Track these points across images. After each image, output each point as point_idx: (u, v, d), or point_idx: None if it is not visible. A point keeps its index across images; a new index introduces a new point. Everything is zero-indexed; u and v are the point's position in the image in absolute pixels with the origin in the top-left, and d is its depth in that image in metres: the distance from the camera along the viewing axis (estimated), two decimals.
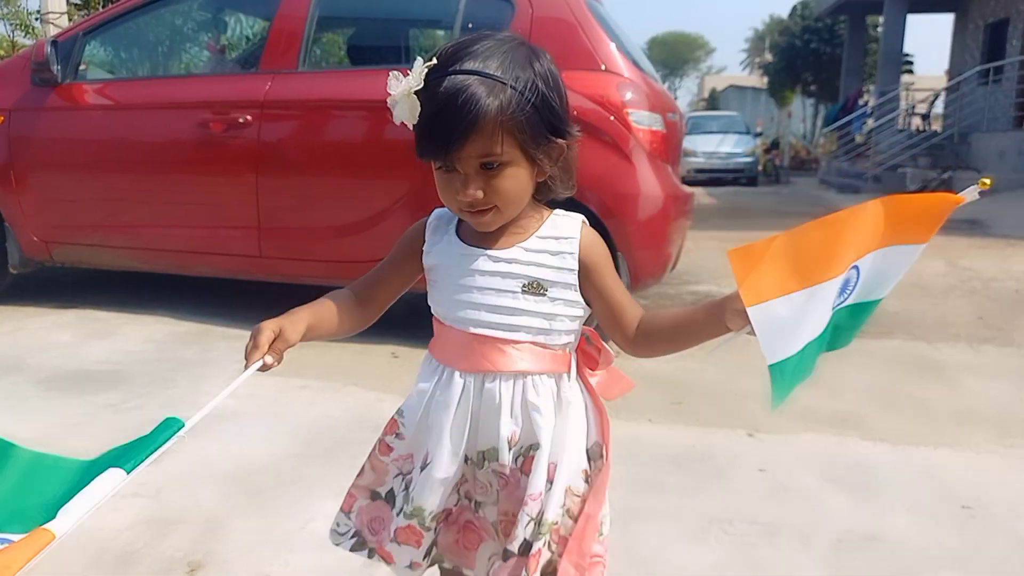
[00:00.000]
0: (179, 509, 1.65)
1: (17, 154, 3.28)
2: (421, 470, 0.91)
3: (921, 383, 2.74)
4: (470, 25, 3.26)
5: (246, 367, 0.85)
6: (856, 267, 0.84)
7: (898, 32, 14.06)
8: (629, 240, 2.89)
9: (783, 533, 1.60)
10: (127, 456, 0.73)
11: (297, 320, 0.90)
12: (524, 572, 0.86)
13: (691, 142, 14.68)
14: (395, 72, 0.84)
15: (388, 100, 0.84)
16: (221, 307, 3.38)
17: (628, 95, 2.89)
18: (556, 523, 0.88)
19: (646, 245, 2.98)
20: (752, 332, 0.81)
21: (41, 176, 3.30)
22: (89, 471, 0.72)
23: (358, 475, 0.99)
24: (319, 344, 2.97)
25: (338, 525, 1.00)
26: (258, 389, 2.45)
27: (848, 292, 0.86)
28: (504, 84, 0.81)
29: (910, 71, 19.59)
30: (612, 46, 2.95)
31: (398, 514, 0.93)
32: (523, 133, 0.83)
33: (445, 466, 0.89)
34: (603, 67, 2.89)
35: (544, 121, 0.85)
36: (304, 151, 3.10)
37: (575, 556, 0.88)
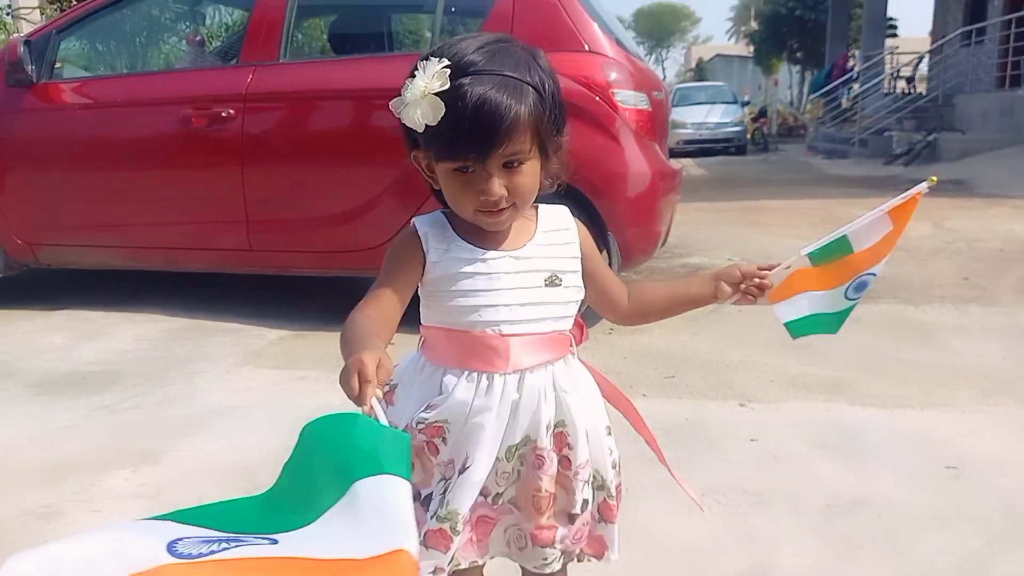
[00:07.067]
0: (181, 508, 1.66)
1: None
2: (459, 474, 0.91)
3: (908, 346, 2.78)
4: (453, 9, 3.23)
5: (361, 405, 0.71)
6: (874, 273, 1.03)
7: None
8: (619, 219, 2.90)
9: (773, 501, 1.64)
10: (381, 460, 0.61)
11: (380, 347, 0.81)
12: (607, 520, 0.99)
13: (679, 113, 14.65)
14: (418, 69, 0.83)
15: (393, 102, 0.84)
16: (212, 302, 3.39)
17: (613, 75, 2.88)
18: (617, 482, 1.00)
19: (635, 223, 2.99)
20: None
21: (22, 178, 3.28)
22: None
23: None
24: (315, 335, 3.01)
25: None
26: (256, 382, 2.47)
27: (866, 289, 1.05)
28: (528, 85, 0.84)
29: (894, 35, 19.52)
30: (595, 26, 2.94)
31: (431, 518, 0.92)
32: (543, 131, 0.87)
33: (484, 467, 0.91)
34: (587, 47, 2.88)
35: (553, 118, 0.88)
36: (289, 143, 3.09)
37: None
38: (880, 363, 2.60)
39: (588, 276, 0.98)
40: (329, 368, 2.59)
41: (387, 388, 0.98)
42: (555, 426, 0.94)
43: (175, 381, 2.49)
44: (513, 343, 0.90)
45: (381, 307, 0.91)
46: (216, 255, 3.23)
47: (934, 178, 1.00)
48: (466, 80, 0.82)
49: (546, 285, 0.93)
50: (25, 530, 1.59)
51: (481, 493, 0.95)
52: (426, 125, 0.82)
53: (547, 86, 0.87)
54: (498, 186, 0.85)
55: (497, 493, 0.95)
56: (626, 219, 2.92)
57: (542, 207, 0.97)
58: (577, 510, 0.96)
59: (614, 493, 0.99)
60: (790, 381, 2.42)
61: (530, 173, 0.88)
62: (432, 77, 0.81)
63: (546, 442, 0.93)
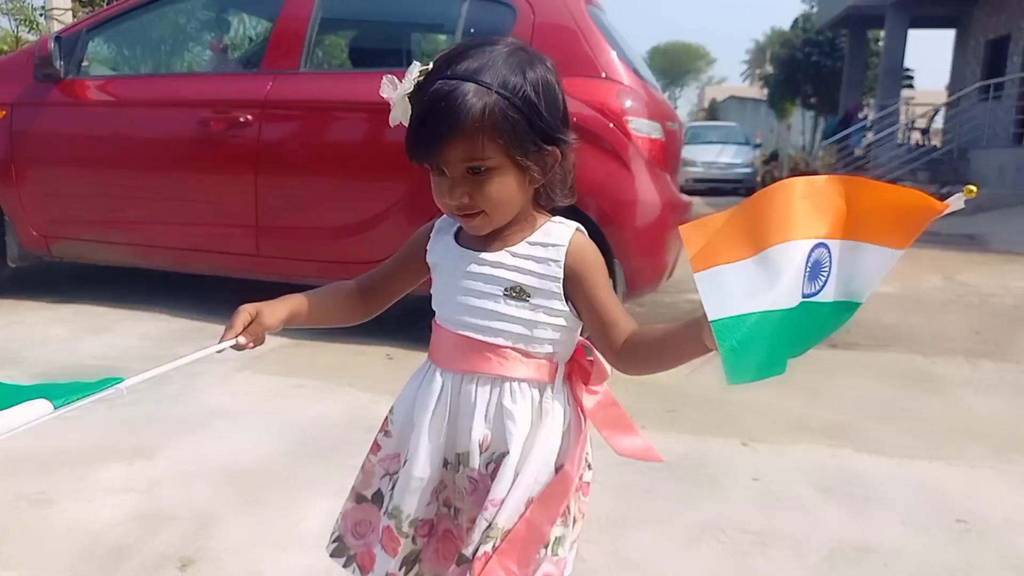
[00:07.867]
0: (172, 505, 1.64)
1: (18, 148, 3.28)
2: (402, 468, 0.92)
3: (917, 396, 2.73)
4: (472, 30, 3.27)
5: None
6: (826, 246, 0.74)
7: (899, 47, 14.15)
8: (626, 247, 2.89)
9: (775, 543, 1.59)
10: (59, 392, 0.73)
11: (278, 305, 0.92)
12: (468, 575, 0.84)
13: (690, 152, 14.73)
14: (389, 76, 0.85)
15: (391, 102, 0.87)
16: (217, 305, 3.36)
17: (628, 103, 2.89)
18: (508, 530, 0.85)
19: (643, 253, 2.98)
20: None
21: (42, 171, 3.30)
22: (18, 395, 0.72)
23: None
24: (315, 344, 2.99)
25: (333, 530, 1.01)
26: (255, 387, 2.45)
27: (822, 279, 0.76)
28: (489, 89, 0.81)
29: (910, 86, 19.69)
30: (613, 53, 2.96)
31: (384, 514, 0.92)
32: (508, 139, 0.82)
33: (422, 465, 0.89)
34: (603, 74, 2.90)
35: (534, 128, 0.83)
36: (304, 152, 3.10)
37: (507, 559, 0.85)
38: (887, 412, 2.55)
39: (581, 301, 0.88)
40: (326, 377, 2.57)
41: None
42: (498, 456, 0.87)
43: (175, 381, 2.46)
44: (458, 342, 0.89)
45: (370, 275, 1.02)
46: (224, 259, 3.24)
47: (973, 188, 0.74)
48: (430, 83, 0.82)
49: (505, 296, 0.87)
50: (17, 514, 1.58)
51: (444, 504, 0.92)
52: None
53: (524, 93, 0.82)
54: (459, 193, 0.84)
55: (457, 508, 0.92)
56: (634, 248, 2.91)
57: (555, 219, 0.91)
58: (468, 553, 0.85)
59: (488, 551, 0.84)
60: (794, 423, 2.38)
61: (499, 182, 0.83)
62: (409, 80, 0.84)
63: (477, 462, 0.87)
